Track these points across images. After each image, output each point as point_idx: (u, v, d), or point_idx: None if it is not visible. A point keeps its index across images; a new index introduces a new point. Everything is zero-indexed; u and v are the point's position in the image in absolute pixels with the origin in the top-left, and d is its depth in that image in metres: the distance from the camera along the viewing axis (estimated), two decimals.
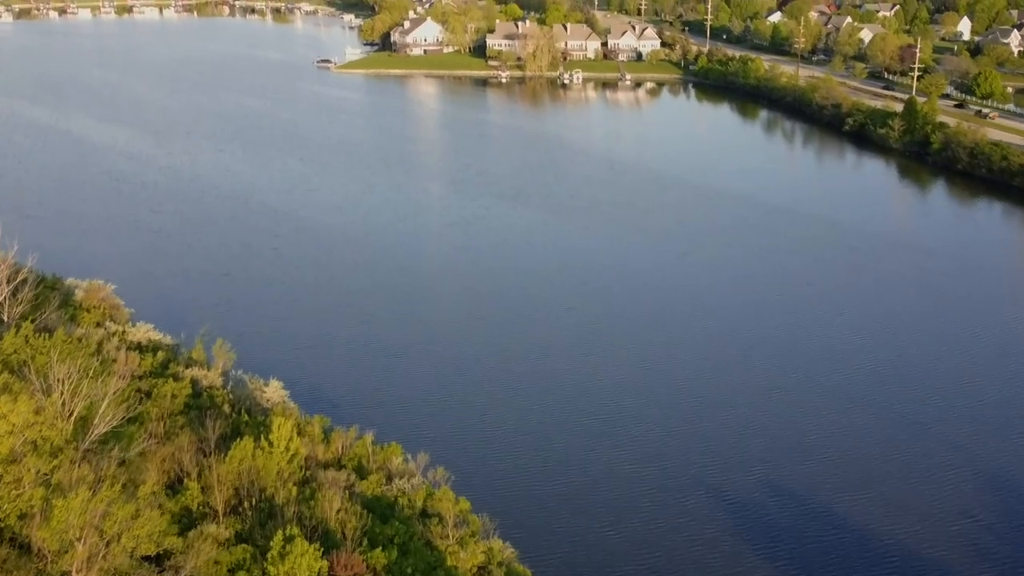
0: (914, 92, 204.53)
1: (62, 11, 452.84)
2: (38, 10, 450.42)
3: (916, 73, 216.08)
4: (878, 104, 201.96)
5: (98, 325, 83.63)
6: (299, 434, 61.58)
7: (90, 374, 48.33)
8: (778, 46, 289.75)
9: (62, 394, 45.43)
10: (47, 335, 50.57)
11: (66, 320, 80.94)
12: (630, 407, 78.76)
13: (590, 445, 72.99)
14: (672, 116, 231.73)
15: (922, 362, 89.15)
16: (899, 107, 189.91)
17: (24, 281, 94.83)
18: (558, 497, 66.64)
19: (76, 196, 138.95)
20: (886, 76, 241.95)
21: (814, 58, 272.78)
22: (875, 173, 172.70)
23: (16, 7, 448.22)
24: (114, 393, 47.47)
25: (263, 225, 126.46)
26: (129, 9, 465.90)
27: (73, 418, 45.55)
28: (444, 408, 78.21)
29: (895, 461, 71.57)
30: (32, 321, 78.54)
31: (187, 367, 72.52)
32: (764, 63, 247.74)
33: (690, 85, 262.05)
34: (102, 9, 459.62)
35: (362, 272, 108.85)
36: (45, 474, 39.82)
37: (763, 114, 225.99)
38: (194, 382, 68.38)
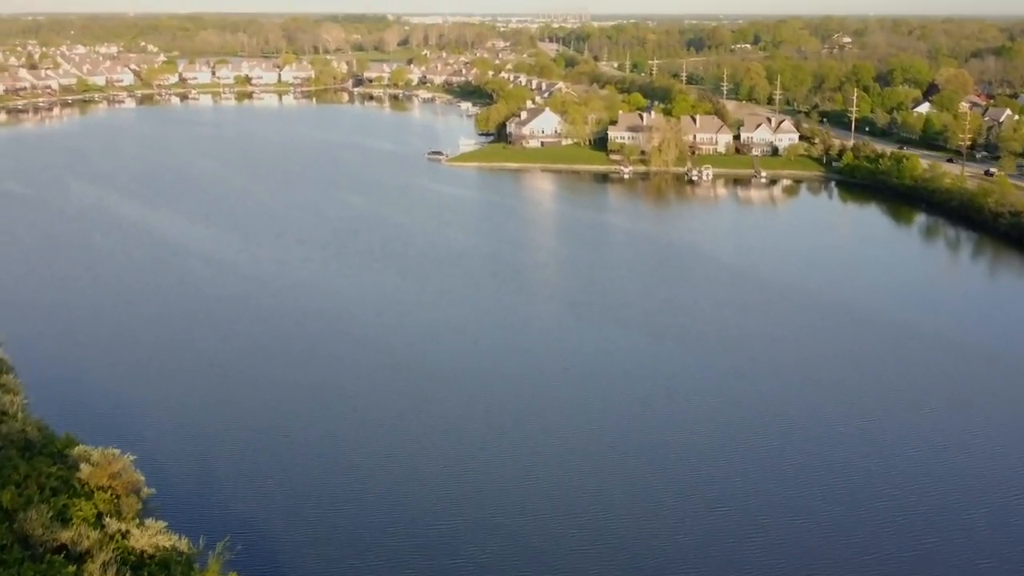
0: None
1: (183, 96, 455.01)
2: (160, 95, 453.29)
3: None
4: None
5: (96, 519, 63.85)
6: None
7: None
8: (929, 140, 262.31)
9: None
10: None
11: (48, 518, 61.46)
12: None
13: None
14: (818, 220, 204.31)
15: None
16: None
17: (28, 445, 76.45)
18: None
19: (139, 314, 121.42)
20: None
21: (977, 155, 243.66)
22: None
23: (139, 92, 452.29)
24: None
25: (345, 359, 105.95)
26: (249, 95, 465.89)
27: None
28: None
29: None
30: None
31: None
32: (921, 161, 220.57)
33: (832, 183, 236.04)
34: (223, 95, 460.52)
35: (456, 438, 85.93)
36: None
37: (921, 219, 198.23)
38: None
